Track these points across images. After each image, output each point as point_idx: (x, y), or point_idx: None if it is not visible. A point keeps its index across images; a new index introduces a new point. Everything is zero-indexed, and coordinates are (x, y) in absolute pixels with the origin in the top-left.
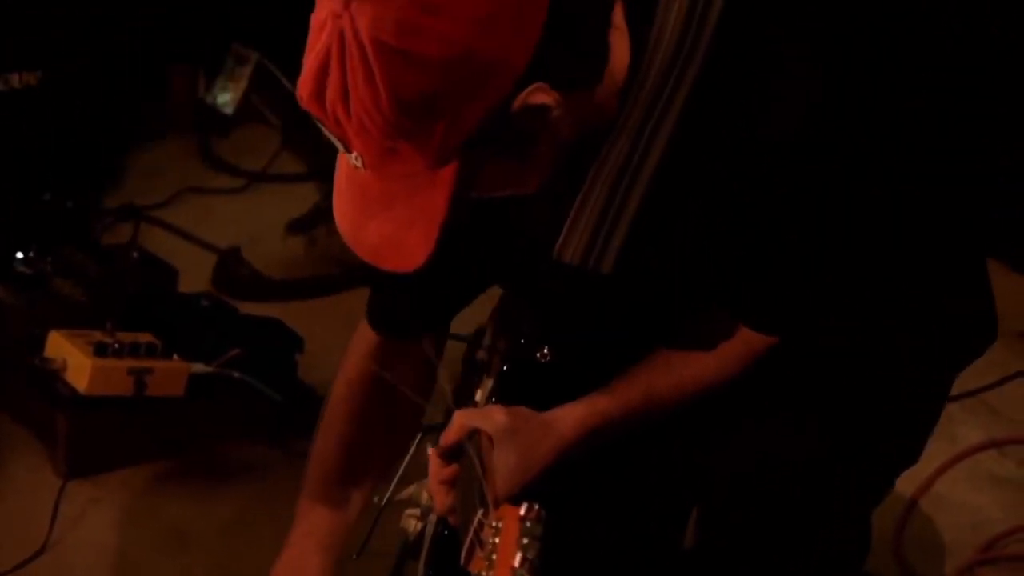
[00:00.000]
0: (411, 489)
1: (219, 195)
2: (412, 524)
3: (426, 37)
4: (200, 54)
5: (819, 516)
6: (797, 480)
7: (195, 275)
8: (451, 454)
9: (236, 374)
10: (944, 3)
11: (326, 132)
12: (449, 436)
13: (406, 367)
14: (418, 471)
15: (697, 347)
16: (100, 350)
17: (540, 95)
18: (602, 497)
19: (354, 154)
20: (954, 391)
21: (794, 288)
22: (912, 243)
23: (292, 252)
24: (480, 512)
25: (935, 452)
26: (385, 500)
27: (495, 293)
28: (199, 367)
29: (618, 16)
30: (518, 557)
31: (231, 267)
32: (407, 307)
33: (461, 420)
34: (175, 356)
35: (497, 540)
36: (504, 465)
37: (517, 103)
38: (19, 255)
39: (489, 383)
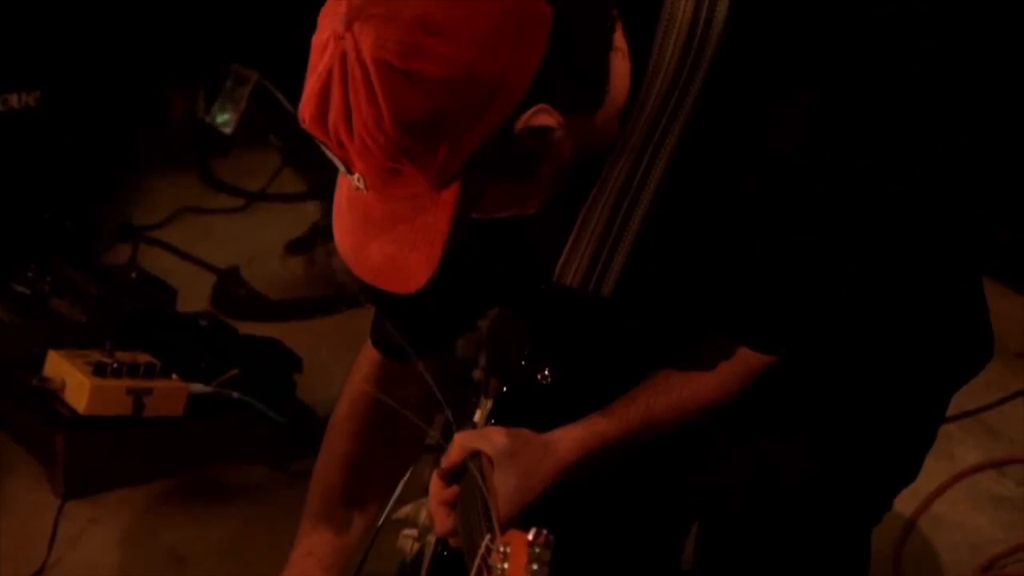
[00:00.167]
0: (408, 509)
1: (218, 215)
2: (409, 544)
3: (429, 58)
4: (200, 74)
5: (818, 535)
6: (796, 498)
7: (194, 295)
8: (452, 476)
9: (235, 394)
10: (943, 25)
11: (328, 154)
12: (450, 458)
13: (409, 388)
14: (415, 491)
15: (696, 367)
16: (99, 370)
17: (542, 116)
18: (601, 516)
19: (356, 175)
20: (953, 411)
21: (792, 307)
22: (909, 262)
23: (291, 272)
24: (487, 537)
25: (934, 472)
26: (382, 520)
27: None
28: (198, 387)
29: (619, 38)
30: None
31: (230, 287)
32: (410, 328)
33: (462, 442)
34: (174, 376)
35: (506, 566)
36: (504, 487)
37: (519, 124)
38: (18, 275)
39: (488, 404)
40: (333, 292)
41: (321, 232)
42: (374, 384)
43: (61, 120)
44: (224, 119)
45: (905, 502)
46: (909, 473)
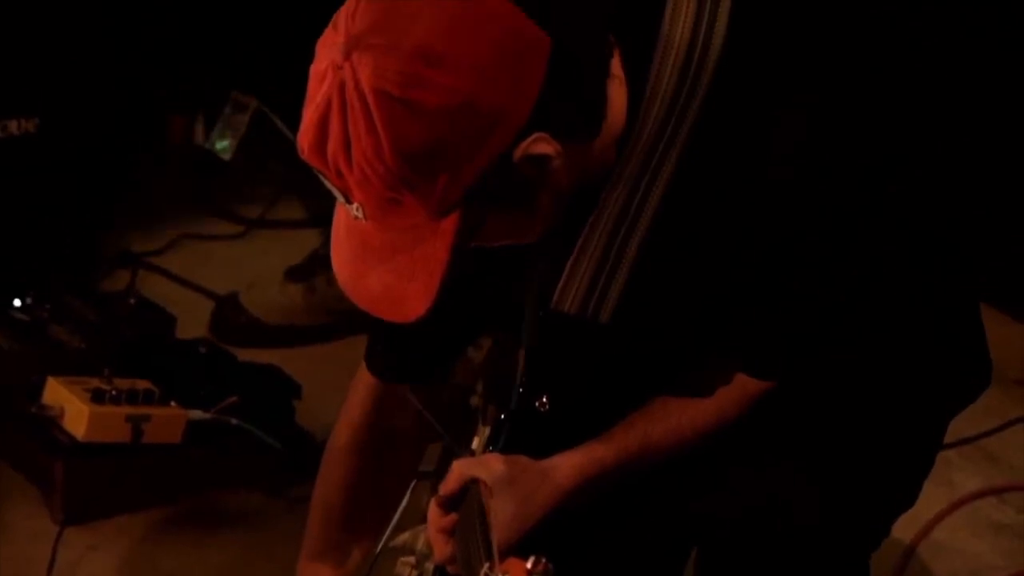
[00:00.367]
0: (406, 536)
1: (217, 241)
2: (408, 572)
3: (429, 88)
4: (199, 101)
5: (817, 560)
6: (794, 524)
7: (193, 321)
8: (450, 503)
9: (234, 421)
10: (942, 46)
11: (326, 184)
12: (449, 485)
13: (405, 412)
14: (413, 518)
15: (694, 393)
16: (98, 397)
17: (541, 145)
18: (600, 542)
19: (355, 205)
20: (953, 438)
21: (789, 333)
22: (907, 287)
23: (290, 300)
24: (486, 565)
25: (934, 499)
26: (380, 546)
27: None
28: (197, 414)
29: (616, 65)
30: None
31: (229, 314)
32: (405, 353)
33: (460, 469)
34: (173, 403)
35: None
36: (502, 514)
37: (518, 153)
38: (16, 302)
39: (486, 431)
40: (332, 320)
41: (320, 260)
42: (370, 408)
43: (60, 147)
44: (223, 145)
45: (904, 529)
46: (907, 498)
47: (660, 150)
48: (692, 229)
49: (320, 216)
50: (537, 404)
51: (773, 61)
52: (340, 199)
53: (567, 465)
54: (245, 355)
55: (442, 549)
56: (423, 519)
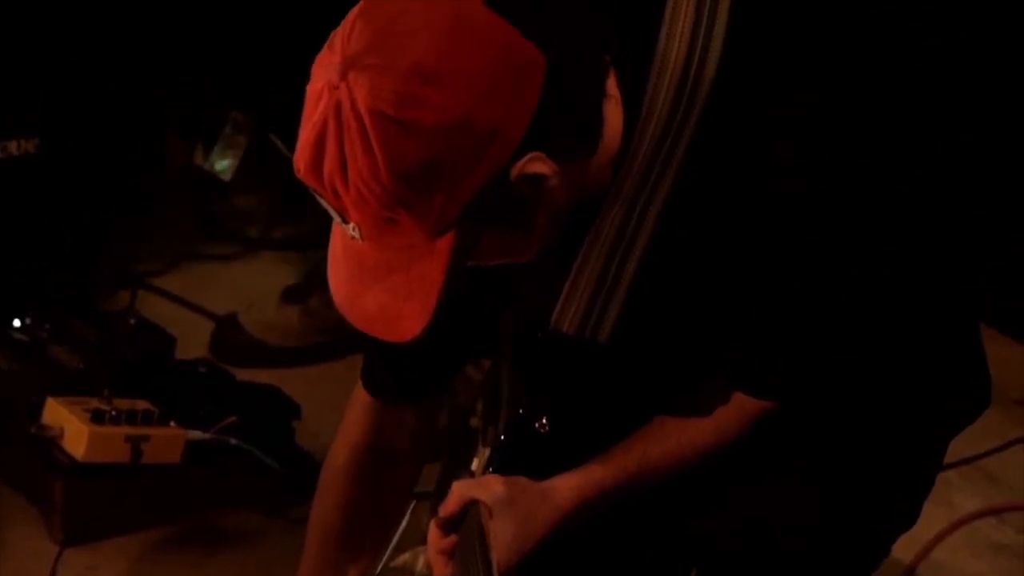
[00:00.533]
0: (405, 557)
1: (217, 262)
2: None
3: (424, 107)
4: (199, 121)
5: None
6: (793, 544)
7: (193, 342)
8: (450, 524)
9: (233, 441)
10: (940, 71)
11: (323, 203)
12: (448, 506)
13: (402, 432)
14: (413, 539)
15: (693, 413)
16: (97, 417)
17: (537, 164)
18: (599, 563)
19: (351, 224)
20: (952, 458)
21: (788, 353)
22: (907, 307)
23: (288, 320)
24: None
25: (933, 519)
26: (379, 567)
27: None
28: (196, 434)
29: (612, 85)
30: None
31: (229, 334)
32: (401, 372)
33: (460, 490)
34: (172, 423)
35: None
36: (502, 535)
37: (514, 172)
38: (16, 322)
39: (486, 453)
40: (329, 339)
41: (316, 281)
42: (367, 428)
43: (60, 167)
44: (223, 166)
45: (904, 549)
46: (908, 519)
47: (656, 169)
48: (689, 248)
49: (318, 237)
50: (537, 425)
51: (769, 79)
52: (337, 219)
53: (566, 486)
54: (245, 375)
55: (442, 570)
56: (423, 540)
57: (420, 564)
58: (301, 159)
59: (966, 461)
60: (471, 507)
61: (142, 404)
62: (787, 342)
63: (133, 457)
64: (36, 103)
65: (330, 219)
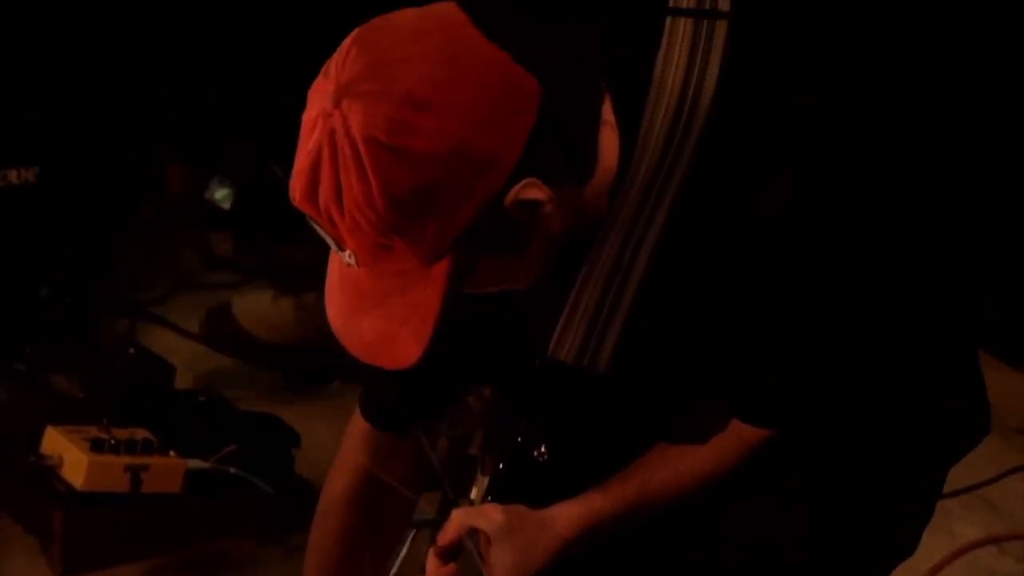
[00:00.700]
0: None
1: (217, 291)
2: None
3: (418, 134)
4: (198, 150)
5: None
6: (792, 573)
7: (192, 371)
8: (449, 553)
9: (233, 470)
10: (937, 91)
11: (319, 231)
12: (447, 535)
13: (399, 459)
14: (412, 567)
15: (692, 441)
16: (96, 446)
17: (532, 190)
18: None
19: (347, 252)
20: (952, 487)
21: (787, 381)
22: (905, 334)
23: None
24: None
25: (933, 548)
26: None
27: None
28: (195, 463)
29: (607, 111)
30: None
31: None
32: (399, 400)
33: (459, 519)
34: (171, 452)
35: None
36: (501, 564)
37: (509, 198)
38: (16, 351)
39: (485, 481)
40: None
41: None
42: (364, 455)
43: (60, 196)
44: (223, 194)
45: None
46: (907, 547)
47: (653, 196)
48: (687, 276)
49: (318, 264)
50: (536, 454)
51: (765, 104)
52: (333, 247)
53: (566, 515)
54: (239, 391)
55: None
56: (422, 569)
57: None
58: (297, 187)
59: (966, 490)
60: (470, 536)
61: (141, 433)
62: (786, 370)
63: (132, 486)
64: (36, 132)
65: (328, 248)
